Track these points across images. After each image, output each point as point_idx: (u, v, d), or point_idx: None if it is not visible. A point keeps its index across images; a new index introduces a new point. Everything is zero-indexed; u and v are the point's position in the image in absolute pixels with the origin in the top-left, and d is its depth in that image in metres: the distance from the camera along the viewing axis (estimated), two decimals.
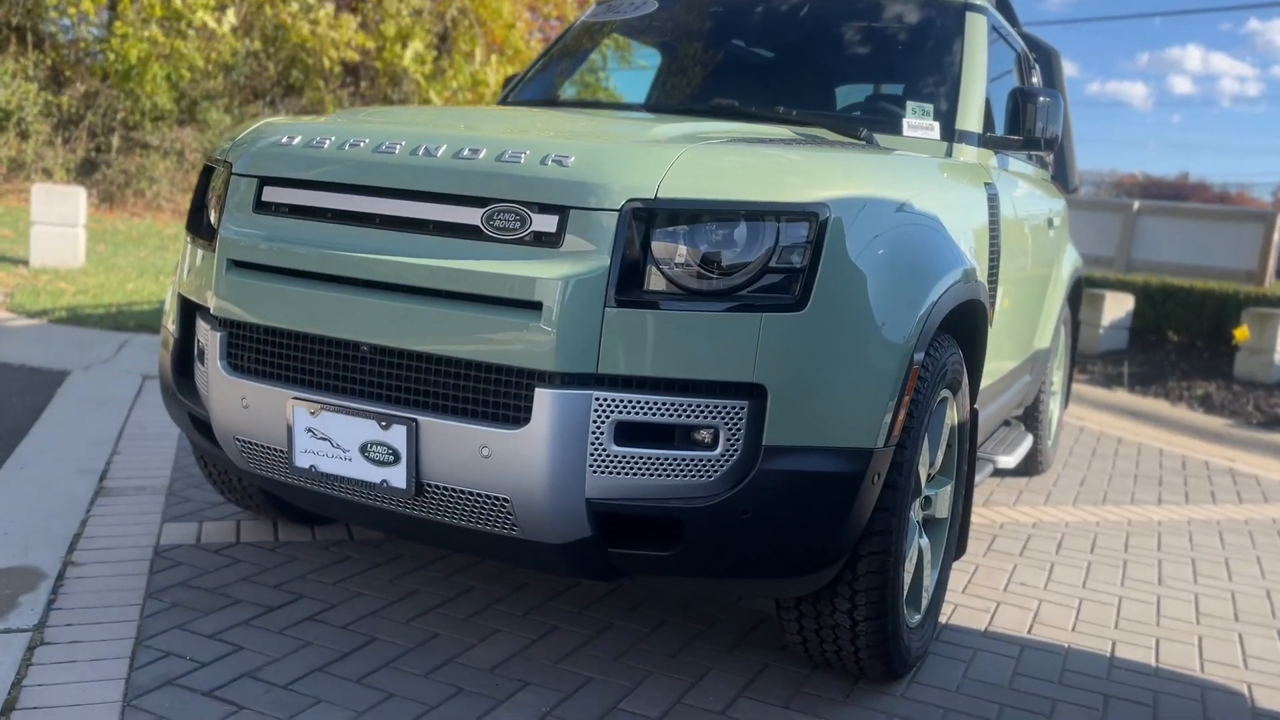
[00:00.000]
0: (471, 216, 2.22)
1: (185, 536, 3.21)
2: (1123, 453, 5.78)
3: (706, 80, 3.79)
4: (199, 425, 2.69)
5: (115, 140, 15.16)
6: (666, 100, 3.85)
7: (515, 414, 2.15)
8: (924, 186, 2.63)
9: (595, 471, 2.14)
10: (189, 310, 2.75)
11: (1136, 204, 11.55)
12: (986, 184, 3.16)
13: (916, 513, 2.66)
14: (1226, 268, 10.75)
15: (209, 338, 2.50)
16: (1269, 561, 3.96)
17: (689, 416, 2.14)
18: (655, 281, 2.15)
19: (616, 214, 2.12)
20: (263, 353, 2.42)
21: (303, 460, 2.34)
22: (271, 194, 2.46)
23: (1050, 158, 4.82)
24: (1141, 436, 6.36)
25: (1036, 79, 4.69)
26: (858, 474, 2.19)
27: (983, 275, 2.90)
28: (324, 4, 15.67)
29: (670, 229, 2.15)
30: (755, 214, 2.16)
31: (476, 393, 2.18)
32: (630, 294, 2.12)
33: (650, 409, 2.13)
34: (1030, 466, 4.89)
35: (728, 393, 2.14)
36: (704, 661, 2.66)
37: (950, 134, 3.25)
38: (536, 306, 2.11)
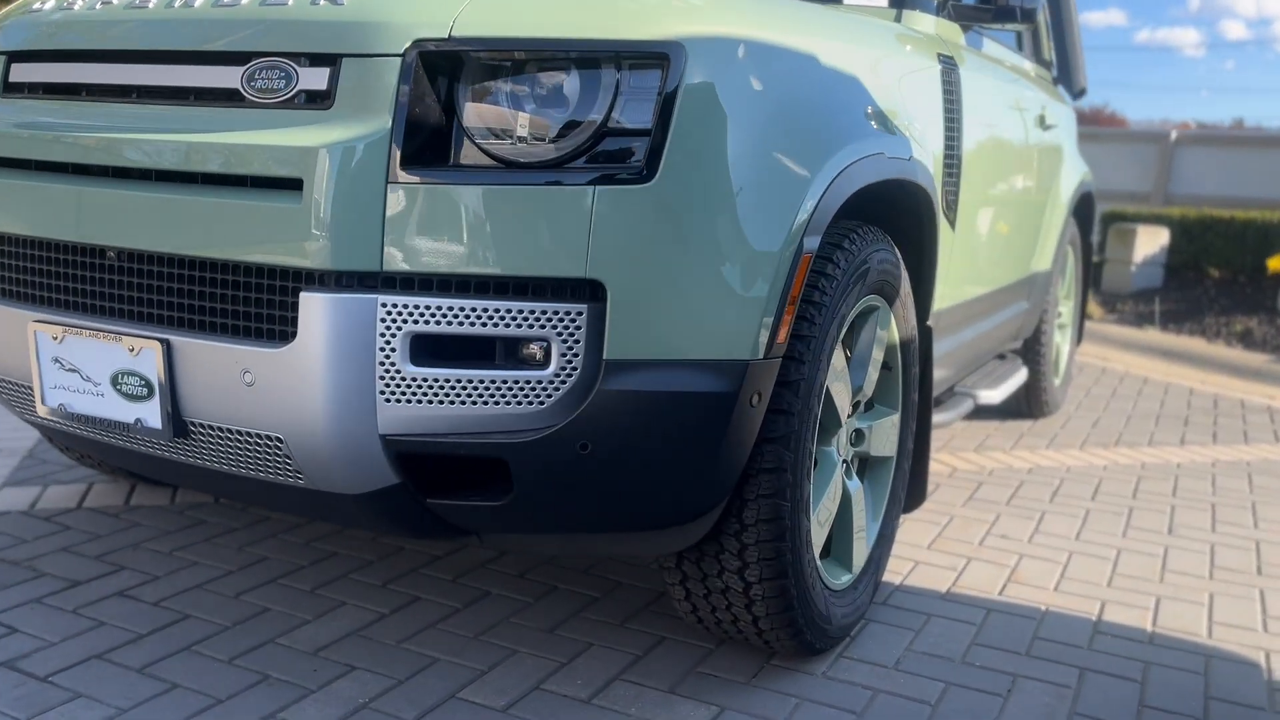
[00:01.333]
0: (230, 78, 1.73)
1: (17, 502, 2.79)
2: (1147, 393, 5.19)
3: None
4: None
5: None
6: None
7: (279, 327, 1.67)
8: (838, 36, 2.10)
9: (389, 400, 1.66)
10: None
11: (1174, 133, 10.76)
12: (942, 55, 2.60)
13: (842, 448, 2.15)
14: (1273, 198, 9.96)
15: None
16: None
17: (508, 325, 1.64)
18: (454, 148, 1.65)
19: (399, 60, 1.62)
20: (3, 267, 1.96)
21: (52, 398, 1.89)
22: (20, 72, 1.99)
23: (1049, 51, 4.23)
24: (1172, 376, 5.76)
25: None
26: (728, 393, 1.69)
27: (930, 159, 2.37)
28: None
29: (473, 79, 1.65)
30: (588, 58, 1.65)
31: (234, 303, 1.70)
32: (420, 165, 1.63)
33: (456, 317, 1.64)
34: (1034, 407, 4.34)
35: (557, 294, 1.65)
36: (586, 637, 2.18)
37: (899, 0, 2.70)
38: (296, 185, 1.62)
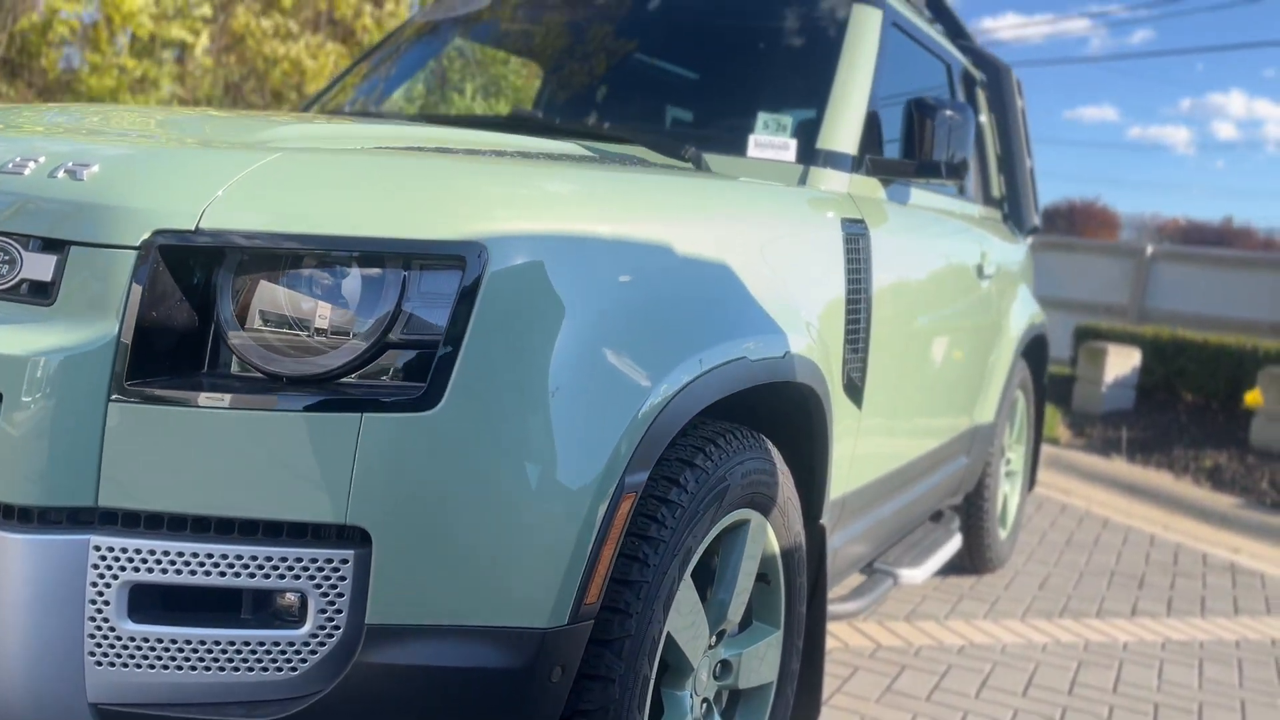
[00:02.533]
0: None
1: None
2: (1105, 541, 4.90)
3: (541, 82, 3.03)
4: None
5: None
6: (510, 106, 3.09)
7: None
8: (704, 219, 1.84)
9: (99, 662, 1.35)
10: None
11: (1150, 248, 10.62)
12: (848, 220, 2.35)
13: (700, 688, 1.84)
14: (1250, 319, 9.78)
15: None
16: (1258, 712, 3.07)
17: (252, 575, 1.35)
18: (194, 360, 1.37)
19: (134, 254, 1.35)
20: None
21: None
22: None
23: (999, 187, 4.01)
24: (1134, 517, 5.47)
25: (981, 99, 3.91)
26: (520, 669, 1.39)
27: (828, 349, 2.10)
28: (306, 33, 15.19)
29: (224, 279, 1.38)
30: (366, 258, 1.38)
31: None
32: (153, 380, 1.34)
33: (187, 564, 1.34)
34: (977, 563, 4.04)
35: (322, 540, 1.36)
36: None
37: (810, 156, 2.46)
38: None
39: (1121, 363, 8.31)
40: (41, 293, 1.39)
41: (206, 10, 13.77)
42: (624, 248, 1.59)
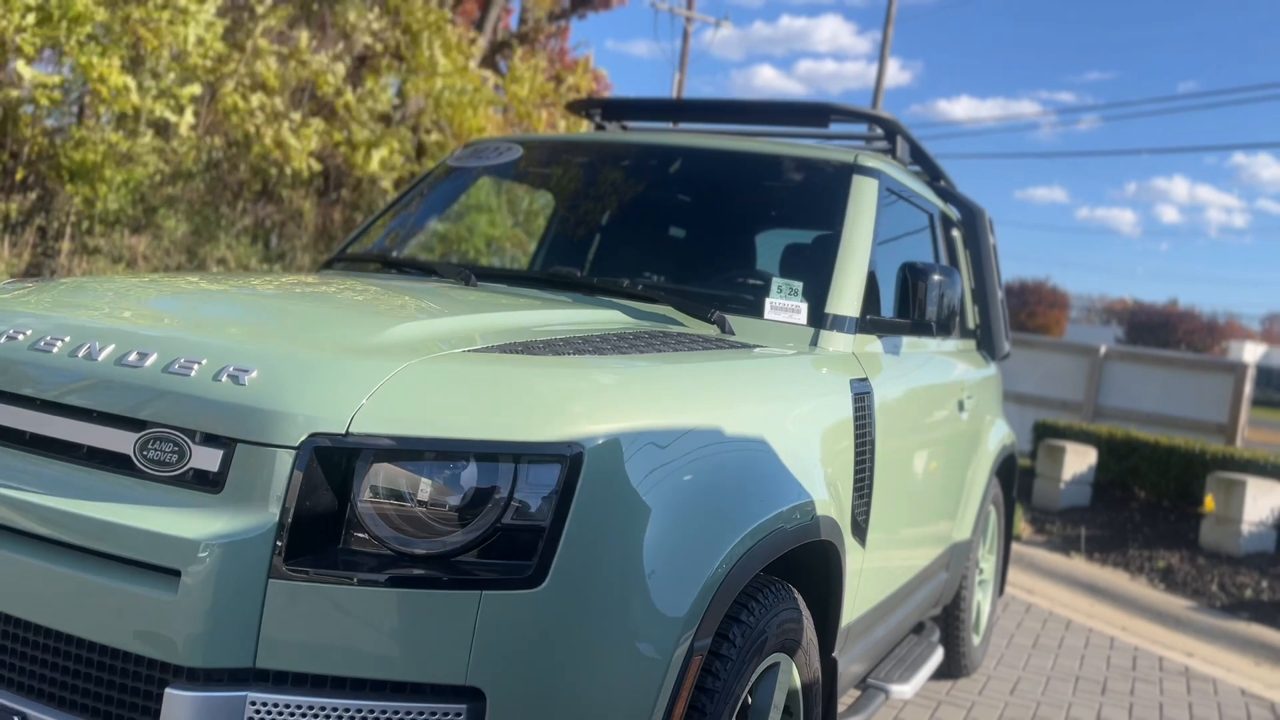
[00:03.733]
0: (123, 443, 1.71)
1: None
2: (1068, 644, 5.19)
3: (559, 240, 3.33)
4: None
5: (65, 245, 14.82)
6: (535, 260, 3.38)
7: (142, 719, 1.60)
8: (742, 400, 2.13)
9: None
10: None
11: (1103, 348, 11.13)
12: (855, 380, 2.66)
13: None
14: (1197, 419, 10.27)
15: None
16: None
17: None
18: (341, 544, 1.62)
19: (293, 454, 1.61)
20: None
21: None
22: None
23: (974, 317, 4.36)
24: (1095, 619, 5.78)
25: (958, 239, 4.28)
26: None
27: (841, 499, 2.39)
28: (290, 111, 15.50)
29: (367, 476, 1.64)
30: (487, 456, 1.65)
31: (100, 686, 1.63)
32: (305, 561, 1.59)
33: (328, 717, 1.58)
34: (953, 669, 4.30)
35: (440, 696, 1.60)
36: None
37: (819, 319, 2.77)
38: (173, 574, 1.58)
39: (1078, 461, 8.70)
40: (209, 481, 1.64)
41: (196, 89, 14.06)
42: (688, 435, 1.87)
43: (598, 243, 3.31)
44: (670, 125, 4.20)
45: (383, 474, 1.64)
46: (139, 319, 1.96)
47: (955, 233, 4.26)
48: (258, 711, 1.57)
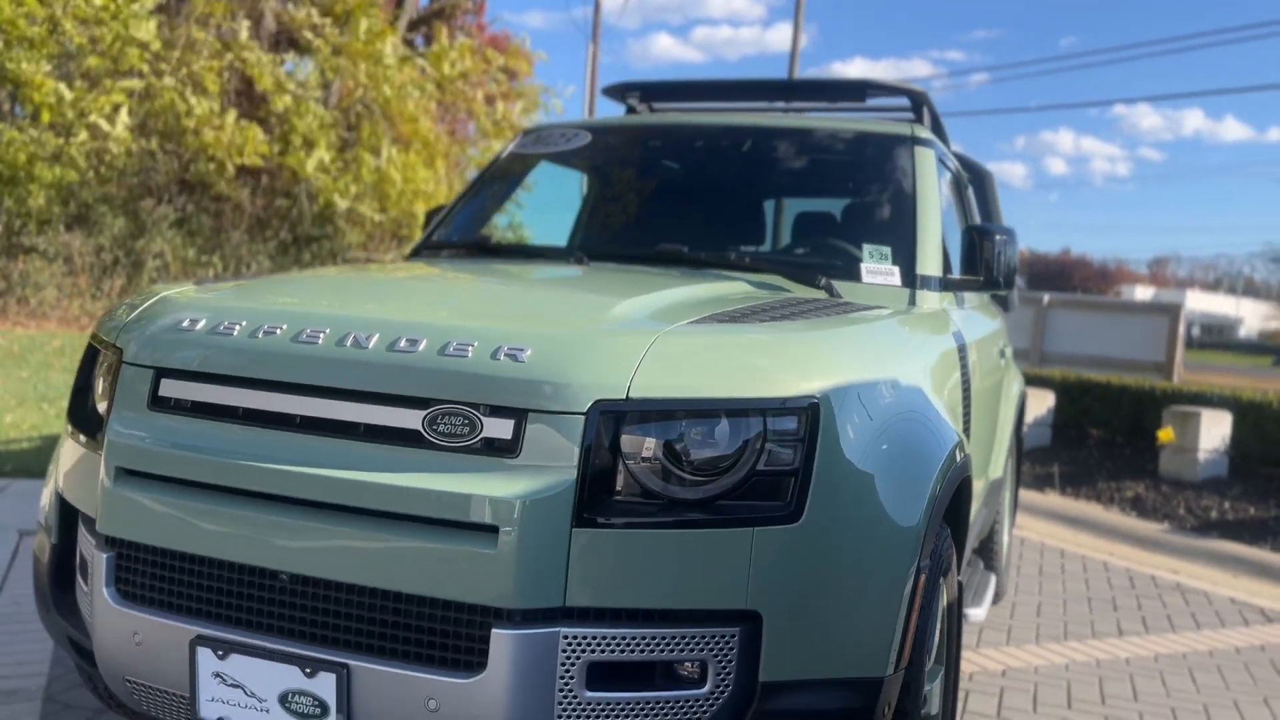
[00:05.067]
0: (411, 420, 1.90)
1: None
2: (1069, 570, 5.62)
3: (646, 220, 3.56)
4: (81, 651, 2.28)
5: None
6: (604, 242, 3.61)
7: (468, 659, 1.82)
8: (907, 356, 2.41)
9: None
10: (70, 514, 2.36)
11: (1047, 298, 11.74)
12: (955, 334, 2.96)
13: None
14: (1135, 359, 10.92)
15: (94, 556, 2.12)
16: (1250, 708, 3.77)
17: (673, 651, 1.83)
18: (629, 494, 1.85)
19: (583, 418, 1.83)
20: (160, 579, 2.04)
21: (209, 711, 1.96)
22: (170, 388, 2.11)
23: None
24: (1082, 547, 6.23)
25: (971, 199, 4.60)
26: (869, 708, 1.91)
27: (964, 439, 2.68)
28: (226, 112, 15.24)
29: (644, 432, 1.87)
30: (738, 411, 1.89)
31: (421, 633, 1.84)
32: (601, 510, 1.82)
33: (628, 645, 1.82)
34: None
35: (717, 620, 1.85)
36: None
37: (911, 280, 3.06)
38: (491, 530, 1.79)
39: (1038, 404, 9.21)
40: (502, 448, 1.85)
41: (135, 83, 13.74)
42: (879, 385, 2.14)
43: (675, 220, 3.53)
44: (692, 106, 4.42)
45: (654, 431, 1.87)
46: (382, 310, 2.15)
47: (969, 193, 4.59)
48: (569, 644, 1.80)
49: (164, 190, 16.52)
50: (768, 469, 1.88)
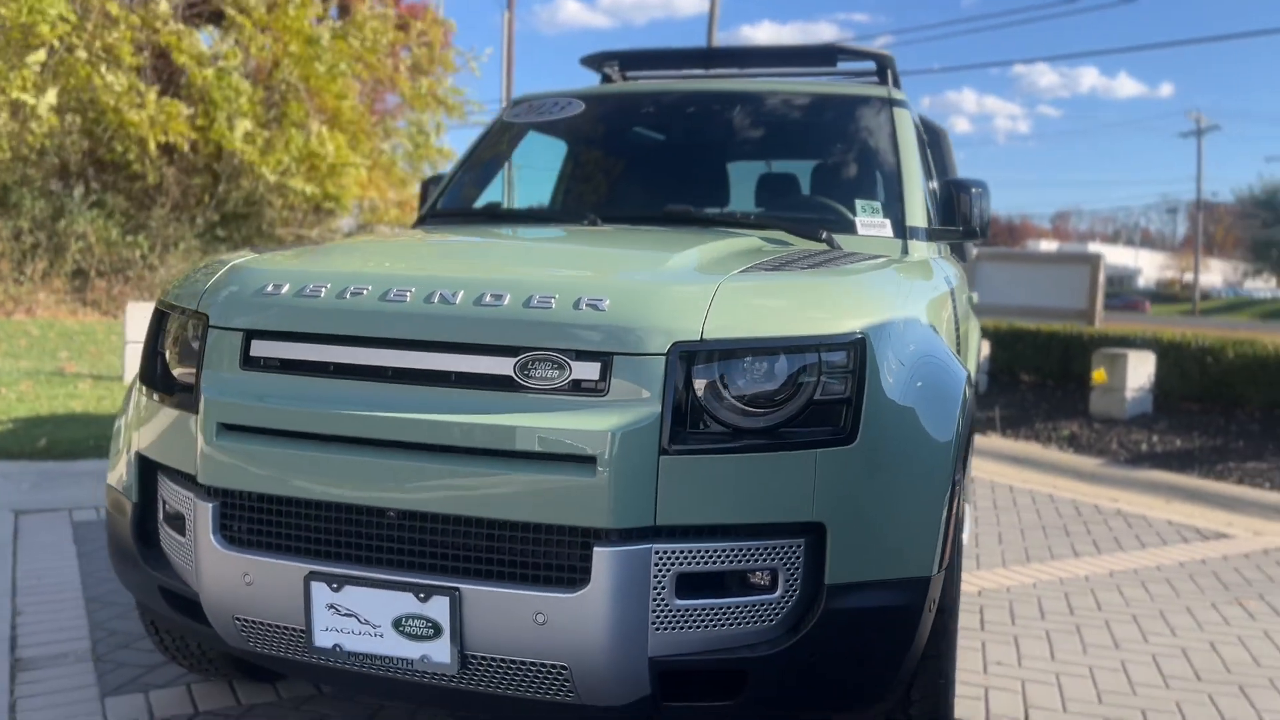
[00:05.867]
0: (502, 366, 2.10)
1: (134, 713, 2.90)
2: (1020, 503, 6.02)
3: (648, 182, 3.76)
4: (172, 598, 2.44)
5: None
6: (607, 205, 3.80)
7: (572, 576, 2.03)
8: (919, 298, 2.66)
9: (658, 629, 2.04)
10: (149, 473, 2.51)
11: (975, 251, 12.20)
12: (945, 279, 3.24)
13: None
14: (1060, 308, 11.46)
15: (195, 508, 2.28)
16: (1200, 611, 4.17)
17: (749, 561, 2.07)
18: (705, 424, 2.08)
19: (663, 358, 2.05)
20: (268, 523, 2.21)
21: (324, 639, 2.15)
22: (262, 348, 2.27)
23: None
24: (1029, 483, 6.65)
25: (929, 156, 4.89)
26: (917, 604, 2.17)
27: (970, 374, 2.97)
28: (150, 89, 14.92)
29: (716, 369, 2.09)
30: (797, 348, 2.12)
31: (527, 556, 2.05)
32: (682, 439, 2.05)
33: (710, 557, 2.05)
34: None
35: (786, 532, 2.09)
36: None
37: (901, 231, 3.33)
38: (590, 460, 2.01)
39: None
40: (591, 388, 2.06)
41: (41, 56, 13.38)
42: (907, 323, 2.40)
43: (675, 182, 3.75)
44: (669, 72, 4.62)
45: (726, 368, 2.09)
46: (460, 269, 2.33)
47: (928, 150, 4.88)
48: (659, 558, 2.02)
49: (80, 171, 16.13)
50: (824, 398, 2.12)
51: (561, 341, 2.08)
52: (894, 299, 2.42)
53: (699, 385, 2.08)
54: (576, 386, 2.07)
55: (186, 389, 2.37)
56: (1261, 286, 77.69)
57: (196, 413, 2.28)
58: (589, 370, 2.07)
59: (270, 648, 2.28)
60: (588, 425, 2.01)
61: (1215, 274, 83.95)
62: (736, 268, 2.37)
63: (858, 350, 2.14)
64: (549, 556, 2.04)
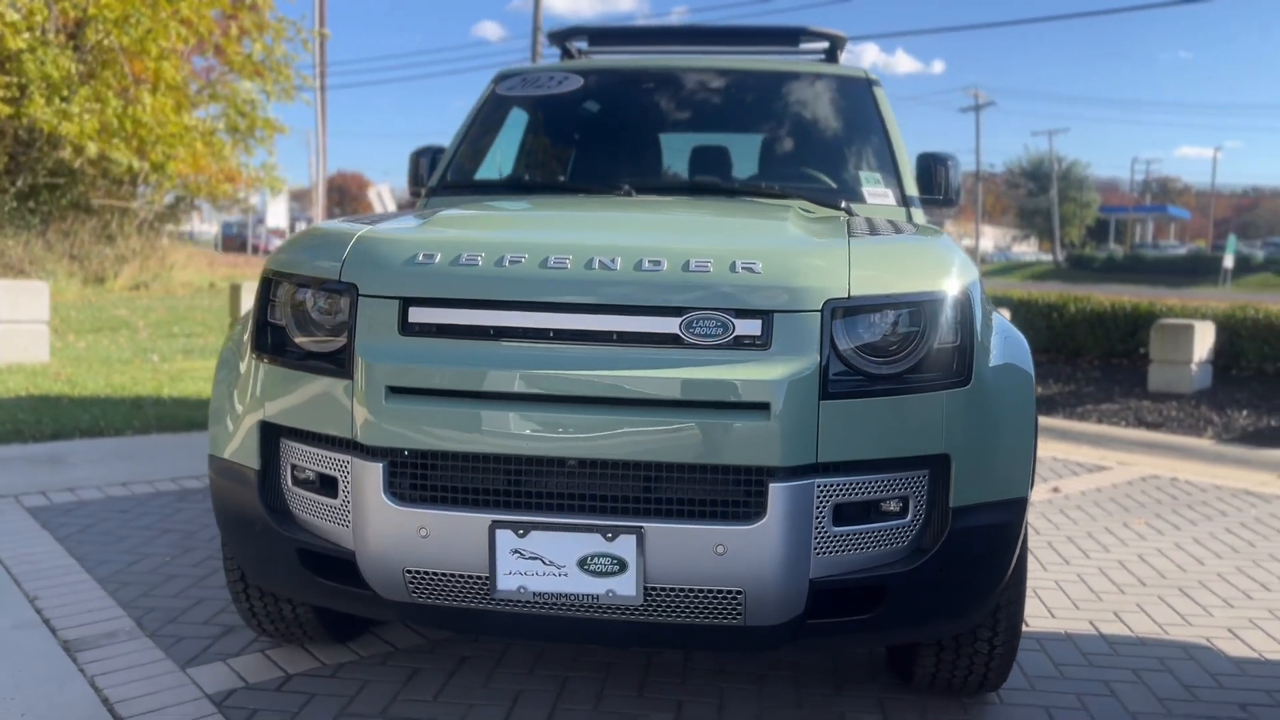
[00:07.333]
0: (668, 325, 2.30)
1: (224, 680, 2.94)
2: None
3: (663, 154, 3.97)
4: (311, 559, 2.52)
5: None
6: (626, 176, 3.97)
7: (749, 510, 2.27)
8: (956, 258, 3.02)
9: (818, 554, 2.32)
10: (272, 440, 2.57)
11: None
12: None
13: None
14: None
15: (355, 469, 2.38)
16: (1117, 530, 4.77)
17: (889, 490, 2.37)
18: (853, 371, 2.35)
19: (819, 314, 2.31)
20: (443, 479, 2.34)
21: (508, 583, 2.31)
22: (421, 314, 2.38)
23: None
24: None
25: None
26: (1018, 520, 2.53)
27: None
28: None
29: (859, 323, 2.37)
30: (920, 302, 2.42)
31: (707, 494, 2.28)
32: (836, 386, 2.32)
33: (859, 489, 2.34)
34: None
35: (919, 464, 2.39)
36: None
37: (903, 199, 3.68)
38: (764, 407, 2.25)
39: None
40: (754, 343, 2.29)
41: None
42: (979, 281, 2.74)
43: (684, 155, 3.98)
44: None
45: (868, 321, 2.37)
46: (608, 236, 2.52)
47: None
48: (820, 490, 2.29)
49: None
50: (942, 345, 2.43)
51: (723, 302, 2.30)
52: (967, 262, 2.76)
53: (846, 337, 2.35)
54: (739, 341, 2.30)
55: (325, 356, 2.46)
56: (1027, 250, 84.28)
57: (349, 378, 2.38)
58: (751, 327, 2.30)
59: (441, 597, 2.41)
60: (758, 375, 2.25)
61: (988, 239, 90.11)
62: (831, 234, 2.65)
63: (965, 304, 2.46)
64: (727, 494, 2.28)
